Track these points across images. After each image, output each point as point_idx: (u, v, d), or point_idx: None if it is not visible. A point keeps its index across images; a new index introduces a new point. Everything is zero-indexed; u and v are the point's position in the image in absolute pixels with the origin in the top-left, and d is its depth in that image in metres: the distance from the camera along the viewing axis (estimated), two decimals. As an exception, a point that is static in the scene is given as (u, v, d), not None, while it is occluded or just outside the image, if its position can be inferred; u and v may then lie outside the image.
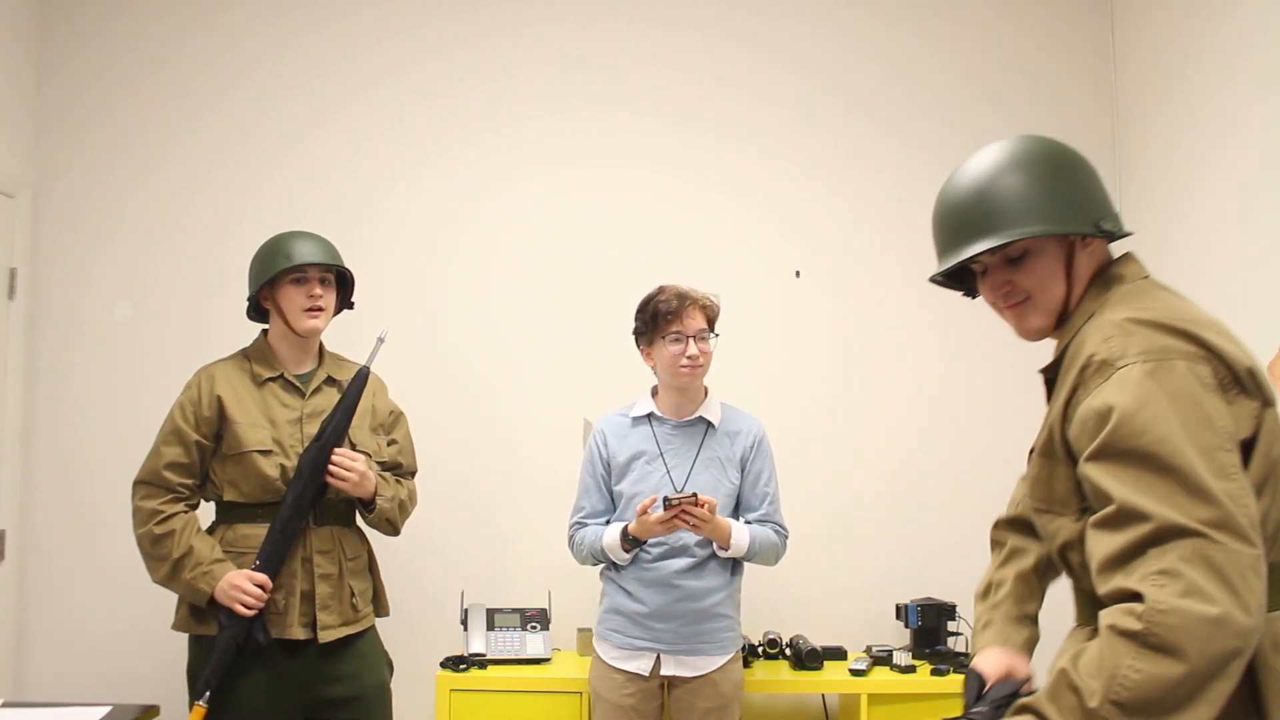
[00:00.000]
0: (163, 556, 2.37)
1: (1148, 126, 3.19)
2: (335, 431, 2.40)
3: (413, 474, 2.70)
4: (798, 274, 3.36)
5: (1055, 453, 1.37)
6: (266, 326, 2.56)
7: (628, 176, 3.39)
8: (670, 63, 3.41)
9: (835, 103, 3.41)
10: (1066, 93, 3.40)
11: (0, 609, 3.16)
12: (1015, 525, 1.65)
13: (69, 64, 3.39)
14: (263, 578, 2.33)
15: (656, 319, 2.55)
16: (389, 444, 2.62)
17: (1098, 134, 3.38)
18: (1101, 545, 1.21)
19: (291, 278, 2.46)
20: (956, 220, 1.45)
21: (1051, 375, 1.43)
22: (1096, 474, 1.25)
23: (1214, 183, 2.81)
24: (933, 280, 1.57)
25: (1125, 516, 1.19)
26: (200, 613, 2.38)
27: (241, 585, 2.32)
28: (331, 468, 2.37)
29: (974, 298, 1.59)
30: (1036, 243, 1.42)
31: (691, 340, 2.55)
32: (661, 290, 2.60)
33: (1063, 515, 1.37)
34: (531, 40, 3.41)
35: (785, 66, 3.41)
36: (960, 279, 1.57)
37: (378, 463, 2.55)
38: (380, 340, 2.44)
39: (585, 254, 3.36)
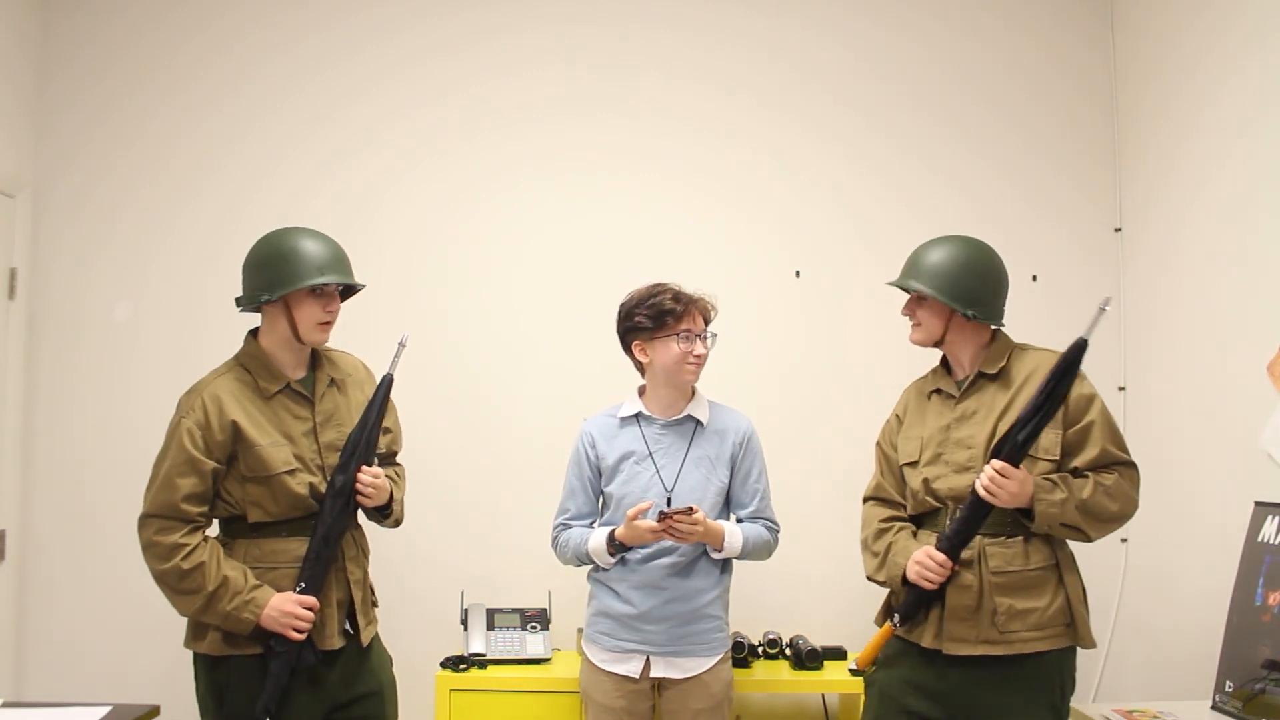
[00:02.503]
0: (193, 591, 2.26)
1: (1149, 129, 3.19)
2: (367, 448, 2.36)
3: (398, 454, 2.67)
4: (798, 274, 3.37)
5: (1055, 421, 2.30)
6: (255, 326, 2.48)
7: (627, 178, 3.39)
8: (670, 65, 3.41)
9: (834, 105, 3.41)
10: (1067, 96, 3.40)
11: (0, 609, 3.16)
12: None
13: (69, 64, 3.39)
14: (312, 600, 2.29)
15: (664, 316, 2.57)
16: (384, 433, 2.59)
17: (1098, 137, 3.38)
18: (1093, 455, 2.31)
19: (309, 290, 2.37)
20: (916, 268, 2.44)
21: (992, 374, 2.42)
22: (1094, 427, 2.32)
23: (1216, 184, 2.81)
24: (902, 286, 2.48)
25: (1108, 452, 2.31)
26: (232, 635, 2.30)
27: (294, 611, 2.27)
28: (359, 487, 2.34)
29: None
30: (929, 300, 2.41)
31: (698, 339, 2.57)
32: (662, 289, 2.61)
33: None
34: (531, 41, 3.41)
35: (786, 69, 3.41)
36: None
37: (376, 455, 2.53)
38: (401, 345, 2.41)
39: (584, 255, 3.36)
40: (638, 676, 2.56)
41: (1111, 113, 3.38)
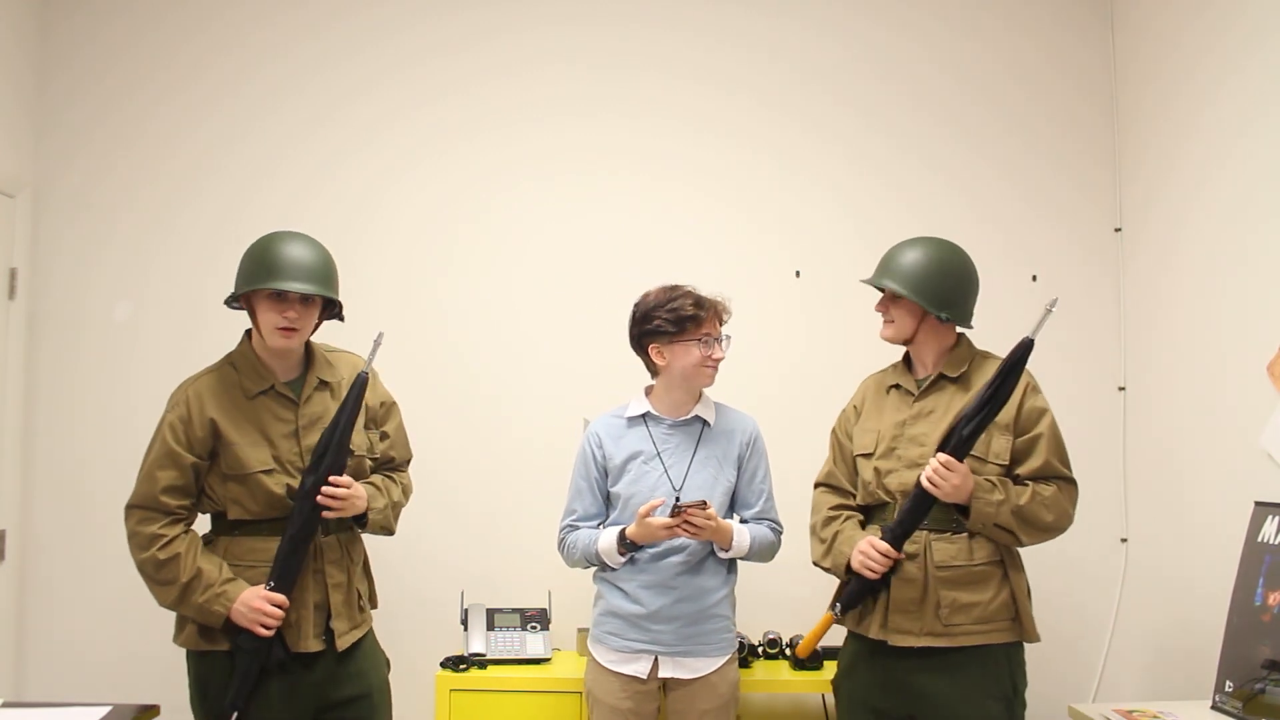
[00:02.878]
0: (169, 581, 2.30)
1: (1149, 129, 3.19)
2: (338, 450, 2.33)
3: (407, 462, 2.66)
4: (798, 274, 3.37)
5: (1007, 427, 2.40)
6: (250, 328, 2.48)
7: (627, 178, 3.39)
8: (670, 65, 3.41)
9: (834, 105, 3.41)
10: (1067, 96, 3.40)
11: (0, 609, 3.16)
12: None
13: (69, 64, 3.40)
14: (280, 597, 2.29)
15: (685, 321, 2.56)
16: (381, 438, 2.58)
17: (1098, 137, 3.38)
18: (1036, 465, 2.39)
19: (270, 294, 2.36)
20: (891, 266, 2.51)
21: (953, 378, 2.49)
22: (1041, 439, 2.40)
23: (1216, 184, 2.81)
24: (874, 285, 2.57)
25: (1050, 465, 2.39)
26: (208, 630, 2.32)
27: (261, 607, 2.27)
28: (320, 499, 2.31)
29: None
30: (904, 299, 2.47)
31: (716, 343, 2.59)
32: (682, 292, 2.59)
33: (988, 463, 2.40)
34: (531, 41, 3.41)
35: (786, 69, 3.41)
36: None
37: (370, 459, 2.52)
38: (377, 343, 2.39)
39: (583, 255, 3.36)
40: (645, 677, 2.55)
41: (1111, 113, 3.38)
